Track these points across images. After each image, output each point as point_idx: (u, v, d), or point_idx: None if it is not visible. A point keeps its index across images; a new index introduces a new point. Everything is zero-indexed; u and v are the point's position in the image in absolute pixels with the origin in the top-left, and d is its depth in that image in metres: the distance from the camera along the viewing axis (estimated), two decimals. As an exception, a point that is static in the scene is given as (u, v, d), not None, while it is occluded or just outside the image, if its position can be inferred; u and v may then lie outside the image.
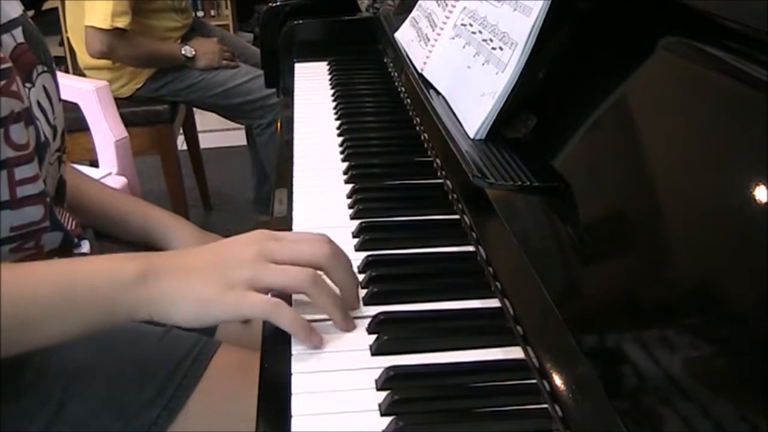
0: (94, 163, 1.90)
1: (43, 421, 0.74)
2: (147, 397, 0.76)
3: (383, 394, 0.55)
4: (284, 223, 0.81)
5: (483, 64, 0.76)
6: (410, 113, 1.07)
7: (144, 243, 0.97)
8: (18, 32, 0.79)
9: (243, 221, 2.51)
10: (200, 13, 3.85)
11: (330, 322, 0.63)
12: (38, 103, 0.80)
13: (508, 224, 0.63)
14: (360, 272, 0.70)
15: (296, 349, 0.61)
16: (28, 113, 0.76)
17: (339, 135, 1.05)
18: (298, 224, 0.81)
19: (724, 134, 0.50)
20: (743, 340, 0.40)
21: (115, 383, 0.77)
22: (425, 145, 0.96)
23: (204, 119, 2.72)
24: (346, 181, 0.90)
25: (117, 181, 1.77)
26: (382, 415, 0.53)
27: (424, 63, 0.93)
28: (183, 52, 2.20)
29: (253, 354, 0.70)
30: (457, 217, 0.78)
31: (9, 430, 0.73)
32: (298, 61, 1.41)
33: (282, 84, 1.38)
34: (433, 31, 0.94)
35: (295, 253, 0.63)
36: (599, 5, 0.71)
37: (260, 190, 2.52)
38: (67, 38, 2.92)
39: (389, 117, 1.11)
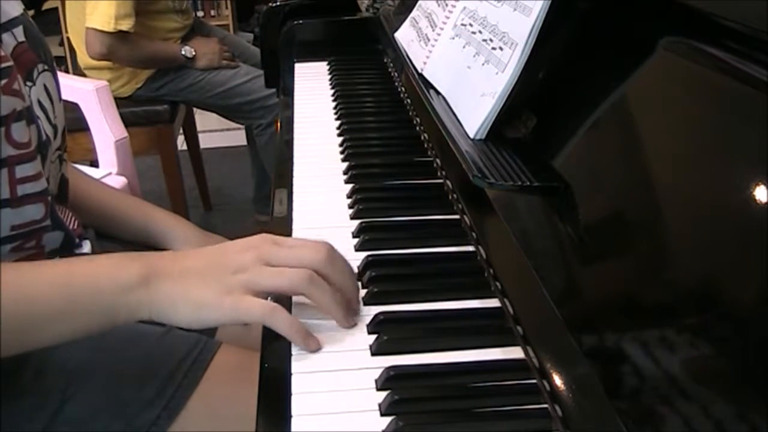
0: (94, 163, 1.90)
1: (43, 421, 0.74)
2: (147, 397, 0.76)
3: (383, 394, 0.55)
4: (284, 223, 0.81)
5: (483, 64, 0.76)
6: (410, 113, 1.07)
7: (145, 243, 0.97)
8: (19, 31, 0.79)
9: (243, 221, 2.52)
10: (200, 13, 3.85)
11: (330, 322, 0.63)
12: (39, 101, 0.81)
13: (508, 224, 0.63)
14: (360, 272, 0.70)
15: (296, 349, 0.61)
16: (29, 112, 0.76)
17: (339, 135, 1.05)
18: (298, 224, 0.81)
19: (724, 134, 0.50)
20: (743, 340, 0.40)
21: (115, 383, 0.77)
22: (425, 145, 0.96)
23: (204, 119, 2.72)
24: (346, 181, 0.90)
25: (117, 181, 1.77)
26: (382, 415, 0.53)
27: (424, 63, 0.93)
28: (183, 52, 2.20)
29: (253, 354, 0.70)
30: (457, 217, 0.78)
31: (9, 430, 0.73)
32: (298, 61, 1.41)
33: (282, 84, 1.38)
34: (433, 31, 0.94)
35: (292, 257, 0.63)
36: (599, 5, 0.71)
37: (260, 190, 2.51)
38: (68, 38, 2.93)
39: (389, 117, 1.11)
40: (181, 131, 2.53)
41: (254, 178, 2.53)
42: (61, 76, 0.92)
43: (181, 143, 2.59)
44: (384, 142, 1.03)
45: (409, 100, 1.09)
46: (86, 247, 0.87)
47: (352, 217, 0.82)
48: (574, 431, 0.47)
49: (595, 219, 0.57)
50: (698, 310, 0.44)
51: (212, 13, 4.03)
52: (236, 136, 2.96)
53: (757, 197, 0.43)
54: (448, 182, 0.83)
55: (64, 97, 0.88)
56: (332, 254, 0.64)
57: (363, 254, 0.72)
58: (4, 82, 0.72)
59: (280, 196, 0.89)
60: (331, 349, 0.61)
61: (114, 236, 0.98)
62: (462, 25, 0.86)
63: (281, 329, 0.60)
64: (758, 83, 0.48)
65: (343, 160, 0.96)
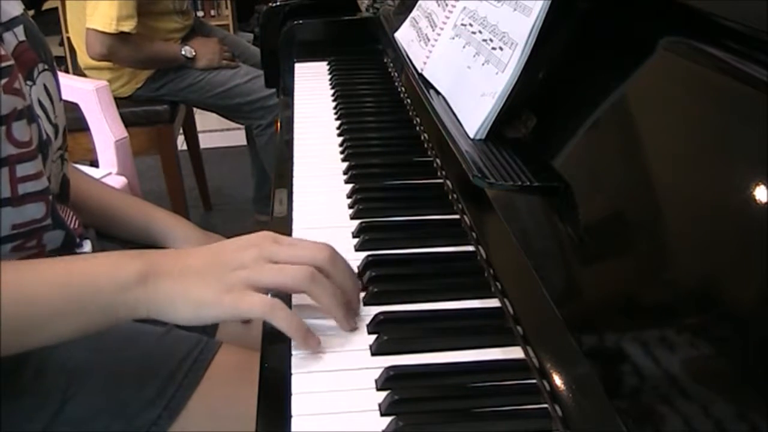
0: (94, 163, 1.90)
1: (43, 421, 0.74)
2: (147, 397, 0.76)
3: (383, 394, 0.55)
4: (284, 223, 0.81)
5: (483, 64, 0.76)
6: (410, 113, 1.07)
7: (145, 243, 0.97)
8: (19, 30, 0.79)
9: (243, 221, 2.51)
10: (200, 13, 3.85)
11: (330, 322, 0.63)
12: (39, 101, 0.81)
13: (508, 224, 0.63)
14: (360, 272, 0.70)
15: (296, 349, 0.61)
16: (29, 111, 0.76)
17: (339, 135, 1.05)
18: (298, 224, 0.81)
19: (724, 134, 0.50)
20: (743, 340, 0.40)
21: (116, 383, 0.77)
22: (425, 145, 0.96)
23: (204, 119, 2.72)
24: (346, 181, 0.90)
25: (117, 181, 1.77)
26: (382, 415, 0.53)
27: (424, 63, 0.93)
28: (183, 52, 2.20)
29: (253, 354, 0.70)
30: (457, 217, 0.78)
31: (9, 430, 0.73)
32: (298, 61, 1.41)
33: (282, 84, 1.38)
34: (433, 31, 0.94)
35: (294, 255, 0.63)
36: (599, 5, 0.71)
37: (260, 190, 2.51)
38: (68, 38, 2.93)
39: (389, 117, 1.11)
40: (181, 131, 2.53)
41: (254, 178, 2.53)
42: (61, 76, 0.92)
43: (181, 143, 2.59)
44: (384, 142, 1.03)
45: (409, 100, 1.09)
46: (87, 246, 0.87)
47: (352, 217, 0.82)
48: (574, 431, 0.47)
49: (595, 219, 0.57)
50: (698, 310, 0.44)
51: (212, 13, 4.03)
52: (236, 136, 2.96)
53: (757, 197, 0.43)
54: (448, 182, 0.83)
55: (64, 97, 0.88)
56: (334, 254, 0.64)
57: (363, 254, 0.72)
58: (4, 81, 0.72)
59: (280, 196, 0.89)
60: (331, 349, 0.61)
61: (114, 236, 0.98)
62: (462, 25, 0.86)
63: (281, 325, 0.60)
64: (758, 83, 0.48)
65: (343, 160, 0.96)
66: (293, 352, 0.60)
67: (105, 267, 0.64)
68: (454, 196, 0.80)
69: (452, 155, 0.72)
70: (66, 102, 0.89)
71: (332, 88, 1.25)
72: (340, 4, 1.51)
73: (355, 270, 0.70)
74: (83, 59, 2.23)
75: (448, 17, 0.91)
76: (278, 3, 1.48)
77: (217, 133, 3.22)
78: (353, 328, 0.63)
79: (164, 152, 2.27)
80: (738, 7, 0.51)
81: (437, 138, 0.87)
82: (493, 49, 0.75)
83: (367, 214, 0.81)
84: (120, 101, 2.01)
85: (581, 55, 0.71)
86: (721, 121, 0.51)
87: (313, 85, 1.28)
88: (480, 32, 0.80)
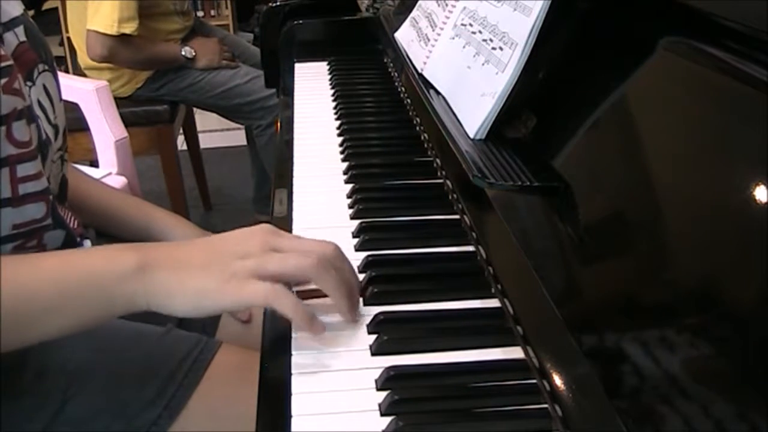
0: (94, 163, 1.90)
1: (43, 421, 0.74)
2: (147, 398, 0.76)
3: (383, 394, 0.55)
4: (284, 223, 0.81)
5: (483, 64, 0.76)
6: (410, 113, 1.07)
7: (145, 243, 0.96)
8: (20, 30, 0.79)
9: (243, 221, 2.49)
10: (200, 14, 3.85)
11: (330, 322, 0.63)
12: (38, 101, 0.80)
13: (508, 224, 0.63)
14: (360, 272, 0.70)
15: (296, 349, 0.61)
16: (29, 111, 0.76)
17: (339, 135, 1.05)
18: (298, 224, 0.81)
19: (724, 134, 0.50)
20: (743, 340, 0.40)
21: (116, 383, 0.76)
22: (425, 145, 0.96)
23: (204, 119, 2.72)
24: (346, 181, 0.90)
25: (117, 181, 1.77)
26: (382, 415, 0.53)
27: (424, 63, 0.93)
28: (183, 53, 2.20)
29: (253, 354, 0.70)
30: (457, 217, 0.78)
31: (9, 430, 0.73)
32: (298, 61, 1.41)
33: (282, 84, 1.38)
34: (433, 31, 0.94)
35: (298, 246, 0.63)
36: (599, 5, 0.71)
37: (260, 190, 2.51)
38: (68, 38, 2.92)
39: (389, 117, 1.11)
40: (181, 131, 2.53)
41: (254, 178, 2.53)
42: (61, 76, 0.92)
43: (181, 143, 2.59)
44: (384, 142, 1.03)
45: (409, 100, 1.09)
46: (87, 246, 0.87)
47: (352, 217, 0.82)
48: (574, 431, 0.47)
49: (595, 219, 0.57)
50: (698, 310, 0.44)
51: (212, 13, 4.03)
52: (236, 136, 2.96)
53: (757, 197, 0.43)
54: (448, 182, 0.83)
55: (64, 97, 0.88)
56: (339, 249, 0.64)
57: (363, 254, 0.72)
58: (4, 81, 0.72)
59: (280, 196, 0.89)
60: (331, 349, 0.61)
61: (114, 236, 0.98)
62: (462, 25, 0.86)
63: (286, 311, 0.60)
64: (758, 83, 0.48)
65: (343, 160, 0.96)
66: (293, 352, 0.60)
67: (102, 259, 0.64)
68: (454, 196, 0.80)
69: (452, 155, 0.72)
70: (66, 102, 0.89)
71: (332, 88, 1.25)
72: (340, 4, 1.51)
73: (355, 270, 0.70)
74: (83, 59, 2.23)
75: (448, 17, 0.91)
76: (278, 3, 1.48)
77: (217, 133, 3.22)
78: (356, 321, 0.62)
79: (164, 152, 2.27)
80: (738, 7, 0.51)
81: (437, 138, 0.87)
82: (493, 49, 0.75)
83: (367, 214, 0.81)
84: (120, 101, 2.01)
85: (581, 55, 0.71)
86: (721, 121, 0.51)
87: (313, 85, 1.28)
88: (480, 32, 0.80)
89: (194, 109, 2.54)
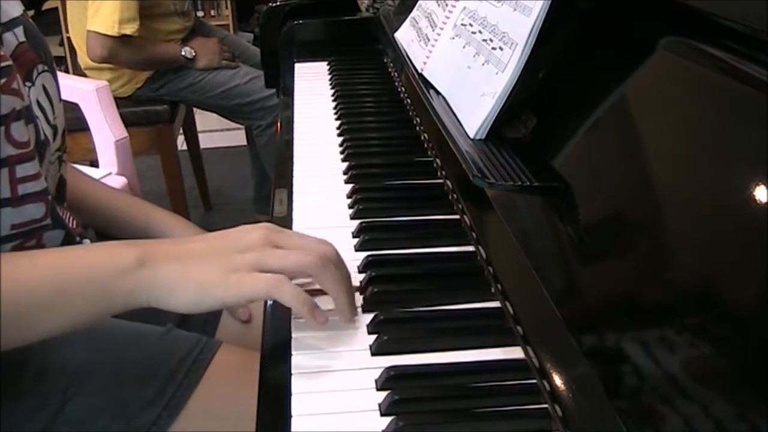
0: (94, 163, 1.90)
1: (43, 421, 0.74)
2: (147, 397, 0.76)
3: (383, 394, 0.55)
4: (284, 223, 0.81)
5: (483, 64, 0.76)
6: (410, 113, 1.07)
7: (144, 243, 0.96)
8: (19, 31, 0.79)
9: (243, 221, 2.48)
10: (200, 14, 3.85)
11: (330, 322, 0.62)
12: (38, 102, 0.80)
13: (508, 224, 0.63)
14: (360, 272, 0.70)
15: (296, 349, 0.61)
16: (28, 111, 0.76)
17: (339, 135, 1.05)
18: (298, 224, 0.81)
19: (724, 134, 0.50)
20: (743, 340, 0.40)
21: (116, 383, 0.76)
22: (425, 145, 0.96)
23: (204, 119, 2.72)
24: (346, 181, 0.90)
25: (117, 181, 1.77)
26: (382, 415, 0.53)
27: (424, 63, 0.93)
28: (183, 53, 2.20)
29: (253, 354, 0.70)
30: (457, 217, 0.78)
31: (9, 430, 0.73)
32: (298, 61, 1.41)
33: (282, 84, 1.38)
34: (433, 31, 0.94)
35: (300, 243, 0.63)
36: (599, 5, 0.71)
37: (260, 190, 2.51)
38: (68, 38, 2.92)
39: (389, 117, 1.11)
40: (181, 131, 2.53)
41: (254, 178, 2.53)
42: (61, 76, 0.92)
43: (181, 143, 2.59)
44: (384, 142, 1.03)
45: (409, 100, 1.09)
46: (86, 246, 0.87)
47: (352, 217, 0.82)
48: (574, 431, 0.47)
49: (595, 219, 0.57)
50: (698, 310, 0.44)
51: (212, 13, 4.03)
52: (236, 136, 2.96)
53: (757, 197, 0.43)
54: (448, 182, 0.83)
55: (64, 97, 0.88)
56: (337, 252, 0.64)
57: (363, 254, 0.72)
58: (3, 81, 0.72)
59: (280, 196, 0.89)
60: (331, 349, 0.61)
61: (114, 236, 0.97)
62: (462, 25, 0.86)
63: (289, 301, 0.59)
64: (758, 83, 0.48)
65: (343, 160, 0.96)
66: (293, 352, 0.60)
67: (101, 254, 0.64)
68: (454, 196, 0.80)
69: (452, 155, 0.72)
70: (66, 102, 0.89)
71: (332, 88, 1.25)
72: (340, 4, 1.51)
73: (355, 270, 0.70)
74: (83, 59, 2.23)
75: (448, 17, 0.91)
76: (278, 3, 1.48)
77: (217, 133, 3.22)
78: (354, 320, 0.62)
79: (164, 152, 2.27)
80: (738, 7, 0.51)
81: (437, 138, 0.87)
82: (493, 49, 0.75)
83: (367, 214, 0.81)
84: (120, 101, 2.01)
85: (581, 55, 0.71)
86: (721, 121, 0.51)
87: (313, 85, 1.28)
88: (480, 32, 0.80)
89: (194, 109, 2.54)
